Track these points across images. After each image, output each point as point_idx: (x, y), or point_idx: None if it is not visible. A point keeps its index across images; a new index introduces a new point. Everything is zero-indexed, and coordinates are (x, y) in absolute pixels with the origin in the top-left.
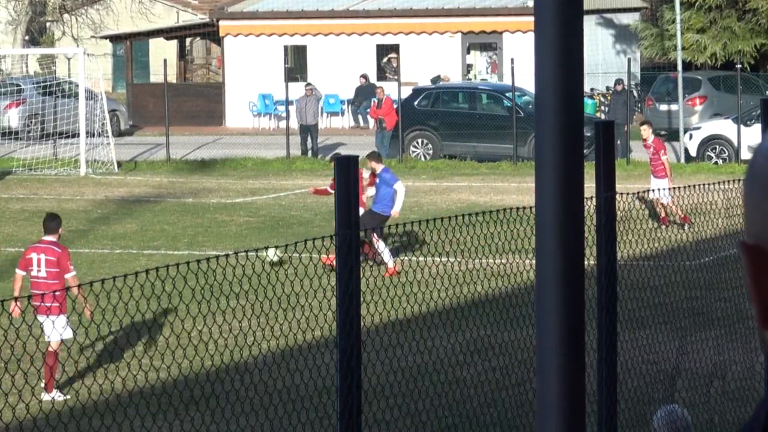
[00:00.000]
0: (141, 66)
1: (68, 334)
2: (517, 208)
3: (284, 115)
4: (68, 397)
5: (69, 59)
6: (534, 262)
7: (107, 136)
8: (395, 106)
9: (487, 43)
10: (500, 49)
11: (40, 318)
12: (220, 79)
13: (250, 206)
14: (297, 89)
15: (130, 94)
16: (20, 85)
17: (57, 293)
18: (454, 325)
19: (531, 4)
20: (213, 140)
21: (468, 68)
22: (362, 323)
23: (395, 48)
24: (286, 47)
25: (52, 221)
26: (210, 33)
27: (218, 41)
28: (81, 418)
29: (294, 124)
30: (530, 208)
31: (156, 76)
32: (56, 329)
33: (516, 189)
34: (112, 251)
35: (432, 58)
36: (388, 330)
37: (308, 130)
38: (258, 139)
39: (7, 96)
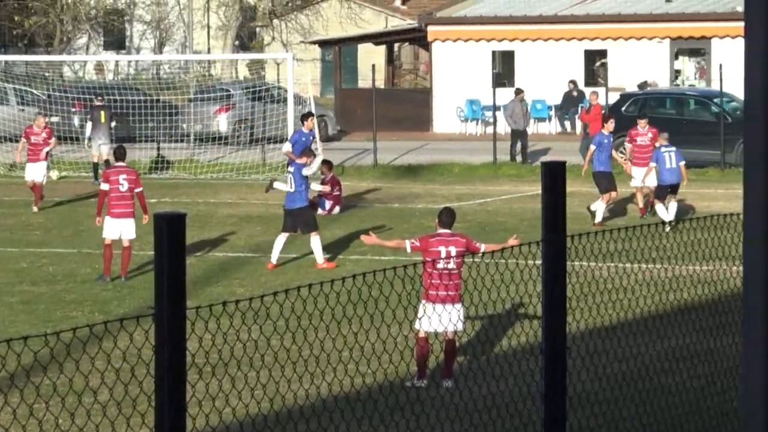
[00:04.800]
0: (349, 71)
1: None
2: (725, 215)
3: (491, 120)
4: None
5: (278, 64)
6: (740, 269)
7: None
8: (603, 112)
9: (695, 49)
10: (708, 55)
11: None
12: (427, 85)
13: (456, 212)
14: (504, 95)
15: (338, 99)
16: (230, 91)
17: None
18: (659, 332)
19: (740, 9)
20: (420, 146)
21: (676, 74)
22: (567, 329)
23: (603, 54)
24: (494, 53)
25: None
26: (418, 38)
27: (426, 46)
28: (287, 423)
29: (501, 129)
30: (737, 215)
31: (364, 81)
32: None
33: (723, 195)
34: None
35: (640, 64)
36: (593, 336)
37: (519, 135)
38: (465, 144)
39: (216, 101)
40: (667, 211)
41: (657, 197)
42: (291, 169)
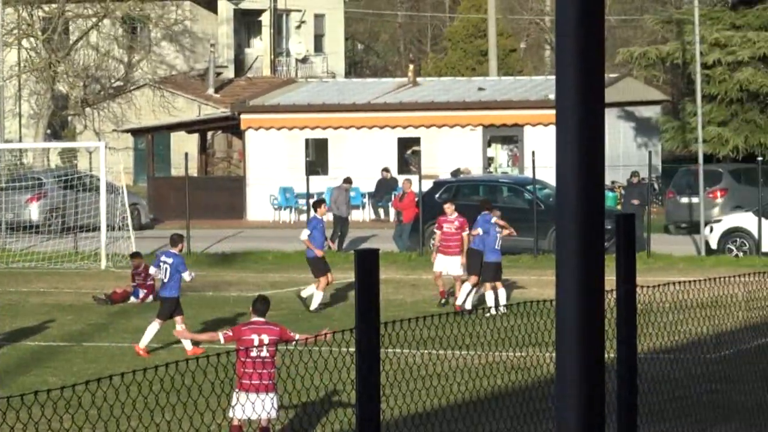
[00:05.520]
0: (162, 159)
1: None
2: (538, 302)
3: (305, 208)
4: None
5: (90, 153)
6: (554, 355)
7: (128, 230)
8: (416, 199)
9: (508, 136)
10: (521, 142)
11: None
12: (241, 173)
13: (270, 299)
14: (318, 183)
15: (151, 188)
16: (41, 179)
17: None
18: (473, 419)
19: (552, 97)
20: (234, 233)
21: (489, 161)
22: (381, 417)
23: (416, 141)
24: (307, 140)
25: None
26: (231, 126)
27: (240, 134)
28: None
29: None
30: (550, 301)
31: (177, 170)
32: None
33: (536, 282)
34: (132, 345)
35: (453, 151)
36: (407, 423)
37: (340, 222)
38: (278, 232)
39: (28, 190)
40: (494, 297)
41: (486, 279)
42: (168, 259)
